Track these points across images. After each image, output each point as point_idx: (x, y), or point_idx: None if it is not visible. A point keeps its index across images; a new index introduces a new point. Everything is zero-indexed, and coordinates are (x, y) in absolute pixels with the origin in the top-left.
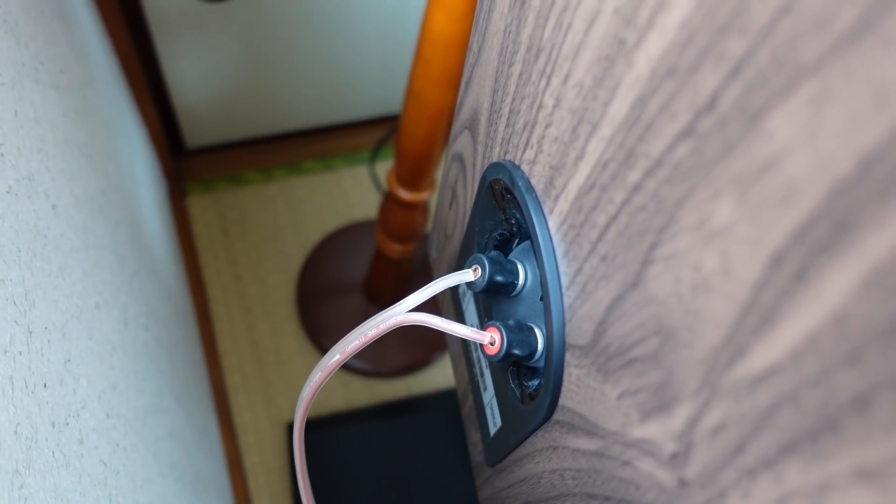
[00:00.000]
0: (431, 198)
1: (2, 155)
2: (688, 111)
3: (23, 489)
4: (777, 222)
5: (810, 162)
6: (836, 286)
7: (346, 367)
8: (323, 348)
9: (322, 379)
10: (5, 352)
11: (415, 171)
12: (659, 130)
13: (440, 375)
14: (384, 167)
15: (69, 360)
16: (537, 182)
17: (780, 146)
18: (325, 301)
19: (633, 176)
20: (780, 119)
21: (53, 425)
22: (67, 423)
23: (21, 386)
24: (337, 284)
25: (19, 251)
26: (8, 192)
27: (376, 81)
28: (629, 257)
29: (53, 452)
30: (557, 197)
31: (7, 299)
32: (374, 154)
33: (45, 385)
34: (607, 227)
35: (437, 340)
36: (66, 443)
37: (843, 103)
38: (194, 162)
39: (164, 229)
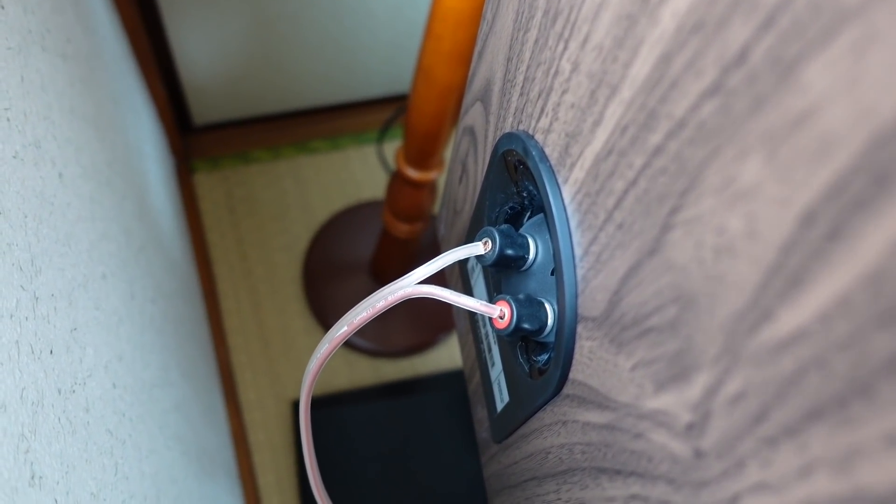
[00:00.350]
0: (440, 177)
1: (8, 120)
2: (715, 67)
3: (28, 453)
4: (809, 179)
5: (849, 112)
6: (871, 244)
7: (352, 346)
8: (328, 328)
9: (329, 351)
10: (11, 316)
11: (423, 150)
12: (684, 89)
13: (446, 356)
14: (392, 147)
15: (76, 329)
16: (552, 151)
17: (816, 98)
18: (331, 281)
19: (655, 138)
20: (816, 69)
21: (59, 392)
22: (73, 391)
23: (27, 351)
24: (343, 264)
25: (25, 217)
26: (14, 158)
27: (386, 60)
28: (647, 224)
29: (59, 419)
30: (573, 165)
31: (13, 264)
32: (383, 133)
33: (51, 352)
34: (625, 193)
35: (443, 321)
36: (73, 410)
37: (889, 47)
38: (202, 139)
39: (171, 206)
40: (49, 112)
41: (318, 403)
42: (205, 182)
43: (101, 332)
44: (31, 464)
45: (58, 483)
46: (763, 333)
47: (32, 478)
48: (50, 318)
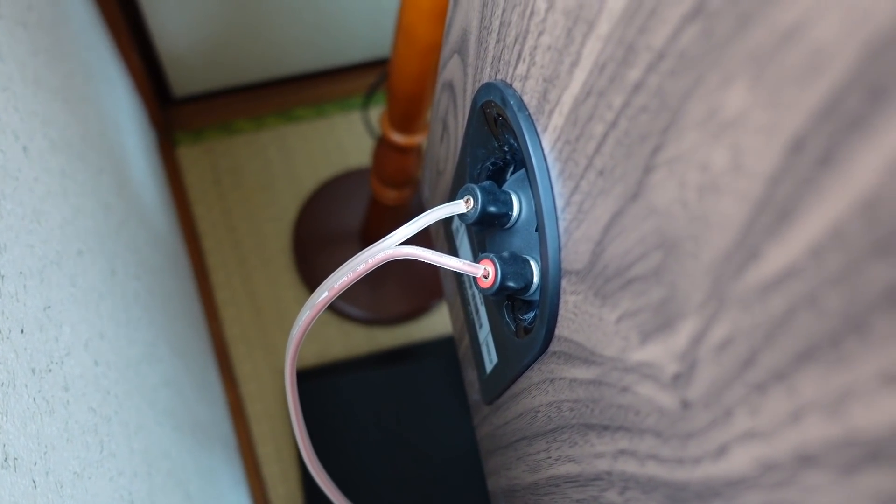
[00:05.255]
0: (425, 141)
1: None
2: None
3: (0, 434)
4: (798, 102)
5: (841, 21)
6: (866, 166)
7: (346, 315)
8: None
9: (311, 316)
10: None
11: (407, 113)
12: (663, 16)
13: (440, 322)
14: (378, 112)
15: (49, 307)
16: (530, 99)
17: (805, 9)
18: (321, 250)
19: (634, 74)
20: None
21: (34, 371)
22: (50, 370)
23: None
24: (333, 233)
25: None
26: None
27: (369, 22)
28: (629, 167)
29: (35, 399)
30: (551, 112)
31: None
32: (367, 99)
33: (21, 331)
34: (605, 136)
35: (437, 287)
36: (49, 389)
37: None
38: (183, 111)
39: (154, 180)
40: (9, 83)
41: (313, 373)
42: (188, 155)
43: (78, 309)
44: (4, 445)
45: (35, 464)
46: (750, 274)
47: (6, 459)
48: (19, 297)
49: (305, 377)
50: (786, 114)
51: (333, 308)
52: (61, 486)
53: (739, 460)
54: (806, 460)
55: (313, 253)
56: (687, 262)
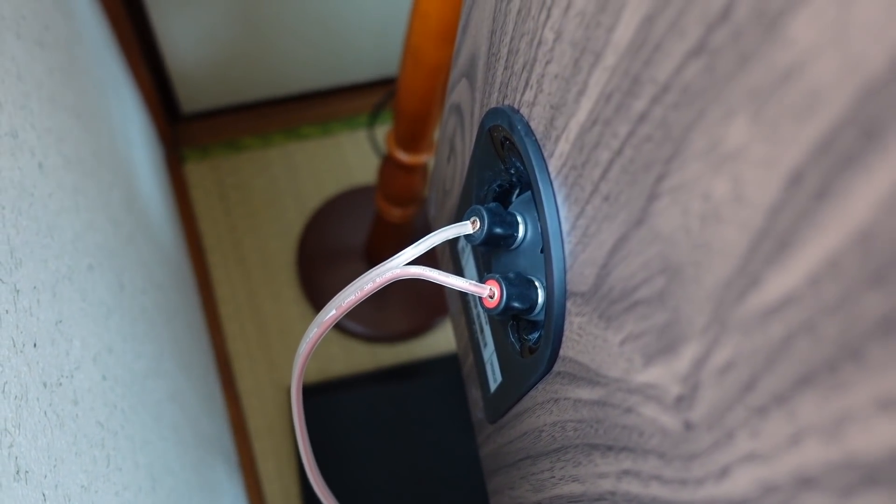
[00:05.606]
0: (431, 160)
1: None
2: (699, 25)
3: (13, 447)
4: (796, 137)
5: (837, 64)
6: (861, 200)
7: (349, 332)
8: None
9: (319, 334)
10: None
11: (413, 132)
12: (667, 51)
13: (443, 340)
14: (384, 131)
15: (61, 321)
16: (537, 125)
17: (803, 51)
18: (325, 267)
19: (639, 105)
20: (803, 21)
21: (45, 385)
22: (60, 384)
23: (9, 345)
24: (337, 250)
25: (3, 208)
26: None
27: (375, 42)
28: (634, 193)
29: (46, 412)
30: (558, 138)
31: None
32: (374, 117)
33: (34, 345)
34: (611, 163)
35: (440, 305)
36: (60, 403)
37: None
38: (191, 127)
39: (162, 195)
40: (27, 101)
41: (315, 390)
42: (195, 171)
43: (88, 323)
44: (16, 458)
45: (45, 477)
46: (751, 300)
47: (17, 472)
48: (33, 311)
49: (308, 393)
50: (784, 148)
51: (336, 325)
52: (69, 500)
53: (741, 482)
54: (806, 482)
55: (318, 269)
56: (689, 288)
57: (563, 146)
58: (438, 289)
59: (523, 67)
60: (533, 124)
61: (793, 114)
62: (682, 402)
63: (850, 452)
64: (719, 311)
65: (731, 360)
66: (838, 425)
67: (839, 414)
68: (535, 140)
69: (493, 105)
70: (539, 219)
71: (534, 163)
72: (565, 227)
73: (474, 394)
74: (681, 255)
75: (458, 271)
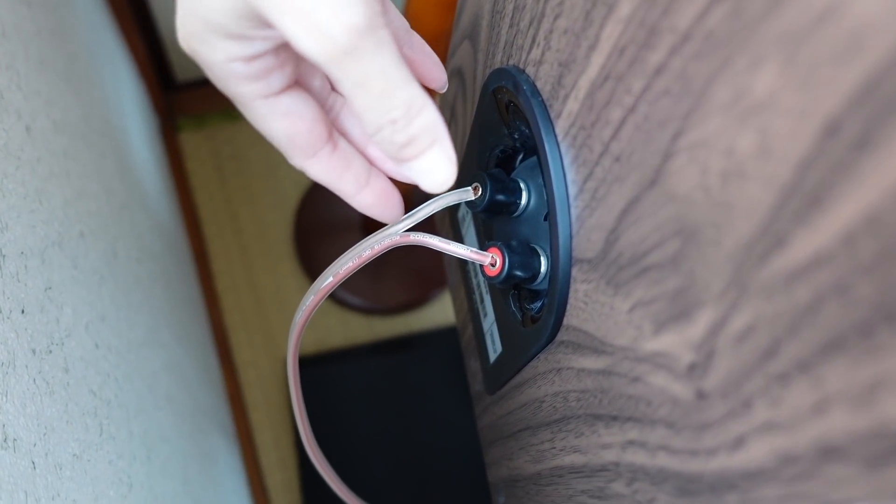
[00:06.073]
0: None
1: None
2: None
3: (0, 414)
4: (833, 84)
5: (881, 1)
6: None
7: (346, 304)
8: None
9: (315, 302)
10: None
11: None
12: None
13: (440, 313)
14: None
15: (50, 288)
16: (543, 84)
17: None
18: (323, 238)
19: (656, 57)
20: None
21: (34, 352)
22: (50, 351)
23: None
24: (335, 222)
25: None
26: None
27: None
28: (648, 153)
29: (35, 380)
30: (566, 97)
31: None
32: None
33: (22, 311)
34: (623, 122)
35: (437, 277)
36: (50, 371)
37: None
38: (186, 96)
39: (156, 165)
40: (13, 61)
41: (312, 362)
42: (190, 140)
43: (80, 291)
44: (3, 426)
45: (34, 445)
46: (775, 262)
47: (5, 440)
48: (20, 277)
49: (305, 365)
50: (819, 97)
51: (333, 297)
52: (60, 468)
53: (757, 452)
54: (829, 453)
55: (314, 241)
56: (707, 251)
57: (572, 105)
58: (436, 261)
59: (530, 24)
60: (539, 84)
61: (830, 58)
62: (695, 370)
63: (882, 420)
64: (739, 274)
65: (750, 326)
66: (871, 392)
67: (872, 380)
68: (542, 100)
69: (496, 66)
70: (545, 183)
71: (540, 124)
72: (572, 190)
73: (473, 365)
74: (697, 216)
75: (458, 239)
